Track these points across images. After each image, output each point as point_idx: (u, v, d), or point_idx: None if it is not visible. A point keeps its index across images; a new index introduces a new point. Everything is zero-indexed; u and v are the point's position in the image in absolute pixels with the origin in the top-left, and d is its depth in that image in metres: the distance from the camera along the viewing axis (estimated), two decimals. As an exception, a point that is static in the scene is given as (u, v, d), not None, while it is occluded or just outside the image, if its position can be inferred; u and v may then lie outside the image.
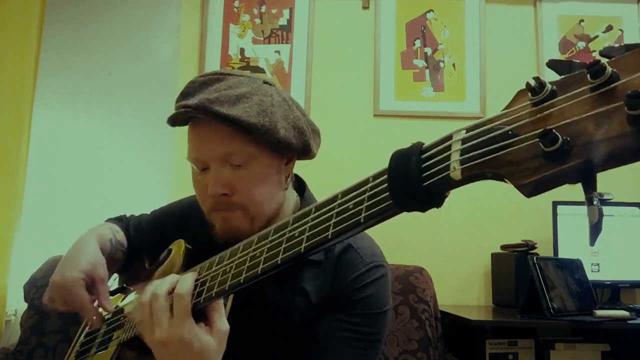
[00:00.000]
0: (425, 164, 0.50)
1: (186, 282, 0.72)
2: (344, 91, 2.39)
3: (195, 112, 0.80)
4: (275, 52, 2.40)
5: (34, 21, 2.09)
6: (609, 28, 2.43)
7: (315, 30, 2.42)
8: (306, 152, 0.90)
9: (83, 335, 1.09)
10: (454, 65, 2.40)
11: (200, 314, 0.72)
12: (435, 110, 2.36)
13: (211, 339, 0.70)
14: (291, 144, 0.85)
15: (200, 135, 0.86)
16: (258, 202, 0.87)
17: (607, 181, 2.26)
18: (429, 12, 2.43)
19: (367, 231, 0.99)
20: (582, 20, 2.44)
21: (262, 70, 2.39)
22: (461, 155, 0.46)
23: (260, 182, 0.87)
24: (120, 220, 1.19)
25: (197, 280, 0.76)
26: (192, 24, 2.39)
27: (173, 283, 0.72)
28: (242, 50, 2.39)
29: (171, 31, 2.31)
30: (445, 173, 0.48)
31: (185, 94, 0.86)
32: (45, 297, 0.97)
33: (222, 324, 0.73)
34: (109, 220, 1.20)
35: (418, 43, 2.42)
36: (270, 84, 0.89)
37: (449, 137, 0.49)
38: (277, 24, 2.42)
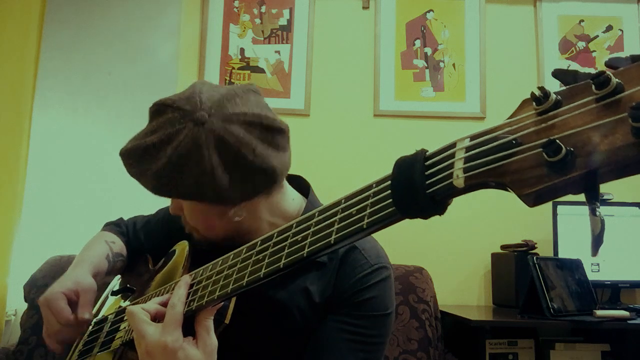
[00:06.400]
0: (429, 171, 0.50)
1: (180, 293, 0.75)
2: (344, 91, 2.39)
3: None
4: (275, 52, 2.40)
5: (34, 21, 2.08)
6: (609, 28, 2.43)
7: (315, 30, 2.41)
8: (250, 196, 0.83)
9: (86, 334, 1.09)
10: (454, 65, 2.40)
11: (190, 331, 0.74)
12: (435, 110, 2.36)
13: (197, 351, 0.71)
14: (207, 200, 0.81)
15: None
16: (204, 229, 0.91)
17: (607, 181, 2.27)
18: (429, 12, 2.43)
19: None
20: (582, 20, 2.44)
21: (262, 71, 2.39)
22: (465, 163, 0.46)
23: (200, 217, 0.89)
24: (117, 226, 1.19)
25: (199, 283, 0.77)
26: (192, 24, 2.39)
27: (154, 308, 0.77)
28: (242, 50, 2.39)
29: (171, 31, 2.31)
30: (449, 181, 0.47)
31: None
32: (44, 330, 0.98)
33: (210, 339, 0.74)
34: (107, 225, 1.20)
35: (418, 43, 2.42)
36: (199, 123, 0.80)
37: (453, 145, 0.49)
38: (277, 24, 2.42)
